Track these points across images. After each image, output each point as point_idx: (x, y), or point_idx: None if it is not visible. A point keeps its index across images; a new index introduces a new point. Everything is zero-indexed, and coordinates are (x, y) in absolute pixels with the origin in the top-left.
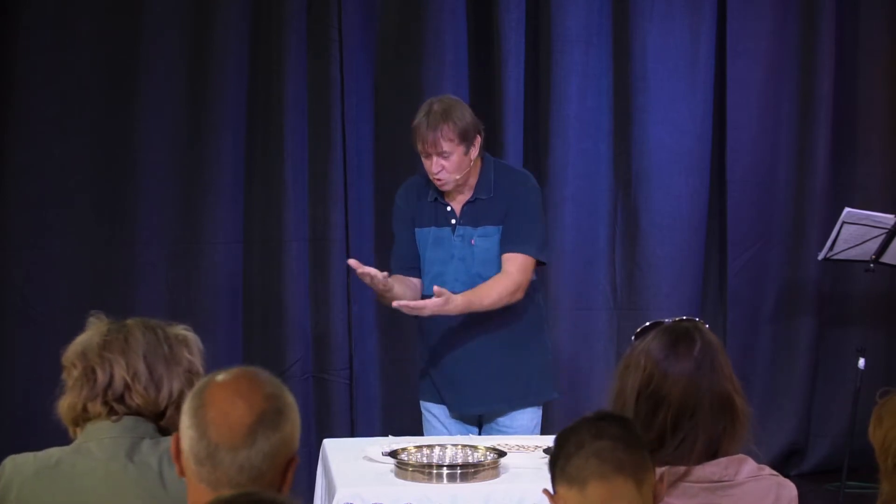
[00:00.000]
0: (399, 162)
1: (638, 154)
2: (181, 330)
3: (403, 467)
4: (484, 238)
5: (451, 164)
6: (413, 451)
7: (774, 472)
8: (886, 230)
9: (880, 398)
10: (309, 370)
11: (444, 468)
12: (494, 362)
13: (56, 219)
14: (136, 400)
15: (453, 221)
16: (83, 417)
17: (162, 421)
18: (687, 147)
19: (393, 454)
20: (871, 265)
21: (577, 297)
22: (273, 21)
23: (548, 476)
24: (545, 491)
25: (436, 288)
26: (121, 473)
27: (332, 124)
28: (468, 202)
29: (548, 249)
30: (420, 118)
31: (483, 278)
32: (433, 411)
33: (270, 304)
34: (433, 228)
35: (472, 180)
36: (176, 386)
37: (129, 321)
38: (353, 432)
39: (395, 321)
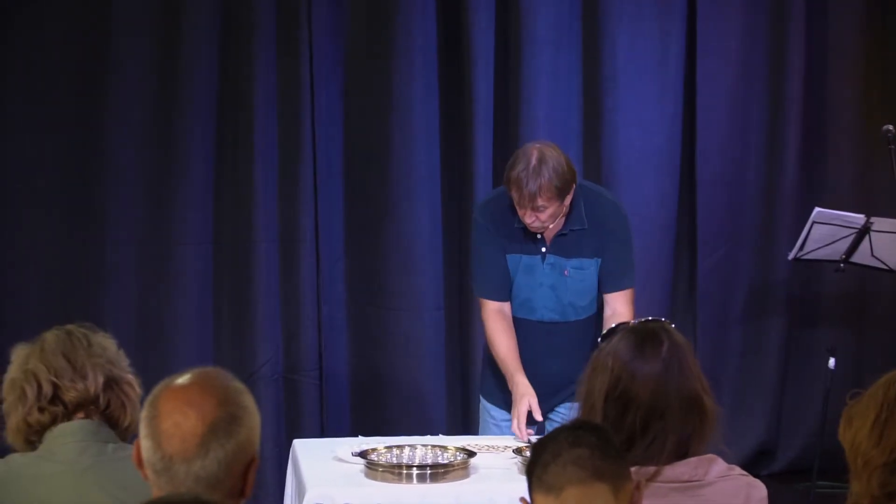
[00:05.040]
0: (369, 162)
1: (608, 155)
2: (101, 334)
3: (373, 468)
4: (579, 270)
5: (545, 216)
6: (383, 451)
7: (744, 472)
8: (856, 230)
9: (850, 399)
10: (279, 371)
11: (414, 468)
12: (571, 364)
13: (25, 220)
14: (69, 395)
15: (543, 250)
16: (31, 433)
17: (107, 410)
18: (657, 148)
19: (363, 454)
20: (842, 265)
21: None
22: (242, 21)
23: (517, 477)
24: (522, 499)
25: None
26: (87, 476)
27: (302, 125)
28: (560, 234)
29: None
30: (519, 170)
31: (574, 307)
32: (493, 413)
33: (240, 305)
34: (523, 256)
35: (563, 211)
36: (101, 374)
37: (46, 332)
38: (323, 433)
39: (365, 322)
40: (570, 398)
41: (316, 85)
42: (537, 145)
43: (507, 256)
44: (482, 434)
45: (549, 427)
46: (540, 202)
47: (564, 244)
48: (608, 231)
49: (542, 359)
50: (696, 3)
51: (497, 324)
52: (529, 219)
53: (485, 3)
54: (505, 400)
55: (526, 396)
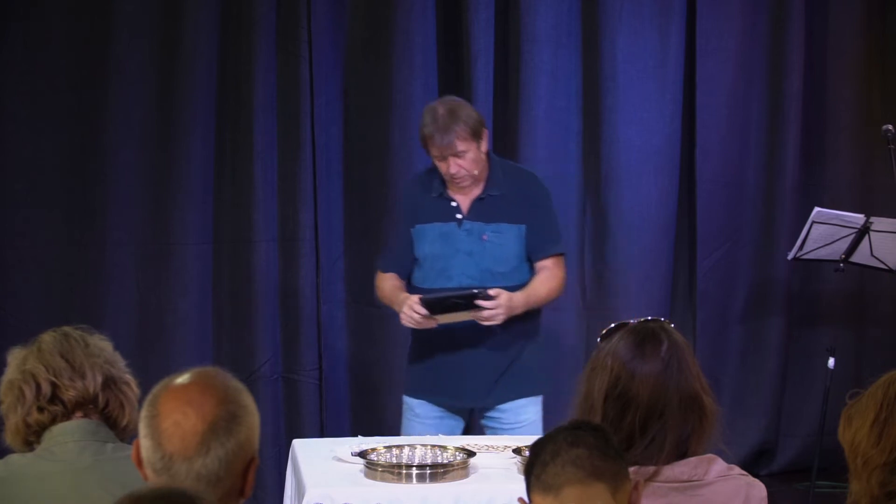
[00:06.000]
0: (368, 161)
1: (607, 154)
2: (97, 336)
3: (373, 467)
4: (497, 234)
5: (467, 162)
6: (382, 451)
7: (744, 472)
8: (856, 230)
9: (850, 399)
10: (279, 371)
11: (414, 468)
12: (496, 355)
13: (25, 221)
14: (68, 394)
15: (459, 216)
16: (30, 433)
17: (106, 410)
18: (656, 147)
19: (362, 454)
20: (841, 265)
21: None
22: (242, 21)
23: (517, 477)
24: (521, 500)
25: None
26: (87, 475)
27: (302, 125)
28: (478, 198)
29: None
30: (428, 124)
31: (492, 273)
32: (417, 410)
33: (240, 305)
34: (437, 224)
35: (482, 175)
36: (99, 374)
37: (43, 334)
38: (322, 433)
39: (364, 322)
40: (513, 395)
41: (315, 84)
42: (439, 100)
43: (418, 227)
44: (405, 432)
45: (490, 432)
46: (459, 147)
47: (483, 209)
48: (529, 198)
49: (466, 333)
50: (696, 3)
51: (386, 279)
52: (454, 168)
53: (484, 2)
54: (428, 395)
55: (408, 298)
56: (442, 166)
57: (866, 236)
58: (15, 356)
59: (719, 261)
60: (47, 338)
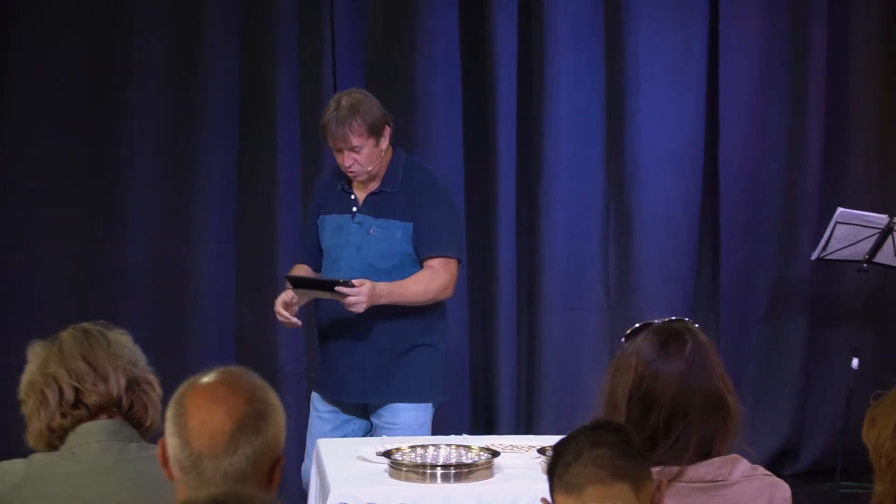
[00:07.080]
0: None
1: (630, 155)
2: (116, 332)
3: (397, 467)
4: (384, 230)
5: (362, 157)
6: (407, 450)
7: (768, 472)
8: (879, 230)
9: (874, 400)
10: (302, 370)
11: (438, 468)
12: (382, 354)
13: (43, 220)
14: (91, 398)
15: (354, 209)
16: (54, 437)
17: (130, 412)
18: (679, 147)
19: (387, 454)
20: (865, 265)
21: (569, 297)
22: (263, 20)
23: (541, 476)
24: (544, 500)
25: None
26: (110, 475)
27: None
28: (372, 192)
29: (463, 245)
30: (328, 115)
31: (374, 268)
32: (318, 406)
33: (262, 304)
34: (335, 215)
35: (381, 172)
36: (122, 376)
37: (63, 332)
38: None
39: None
40: (391, 398)
41: (339, 84)
42: (345, 91)
43: (322, 217)
44: (309, 428)
45: (376, 430)
46: (352, 141)
47: (375, 204)
48: (419, 195)
49: (354, 330)
50: (718, 3)
51: (295, 268)
52: (348, 161)
53: (507, 2)
54: (330, 391)
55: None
56: (338, 158)
57: (889, 237)
58: (36, 354)
59: (742, 261)
60: (67, 337)
